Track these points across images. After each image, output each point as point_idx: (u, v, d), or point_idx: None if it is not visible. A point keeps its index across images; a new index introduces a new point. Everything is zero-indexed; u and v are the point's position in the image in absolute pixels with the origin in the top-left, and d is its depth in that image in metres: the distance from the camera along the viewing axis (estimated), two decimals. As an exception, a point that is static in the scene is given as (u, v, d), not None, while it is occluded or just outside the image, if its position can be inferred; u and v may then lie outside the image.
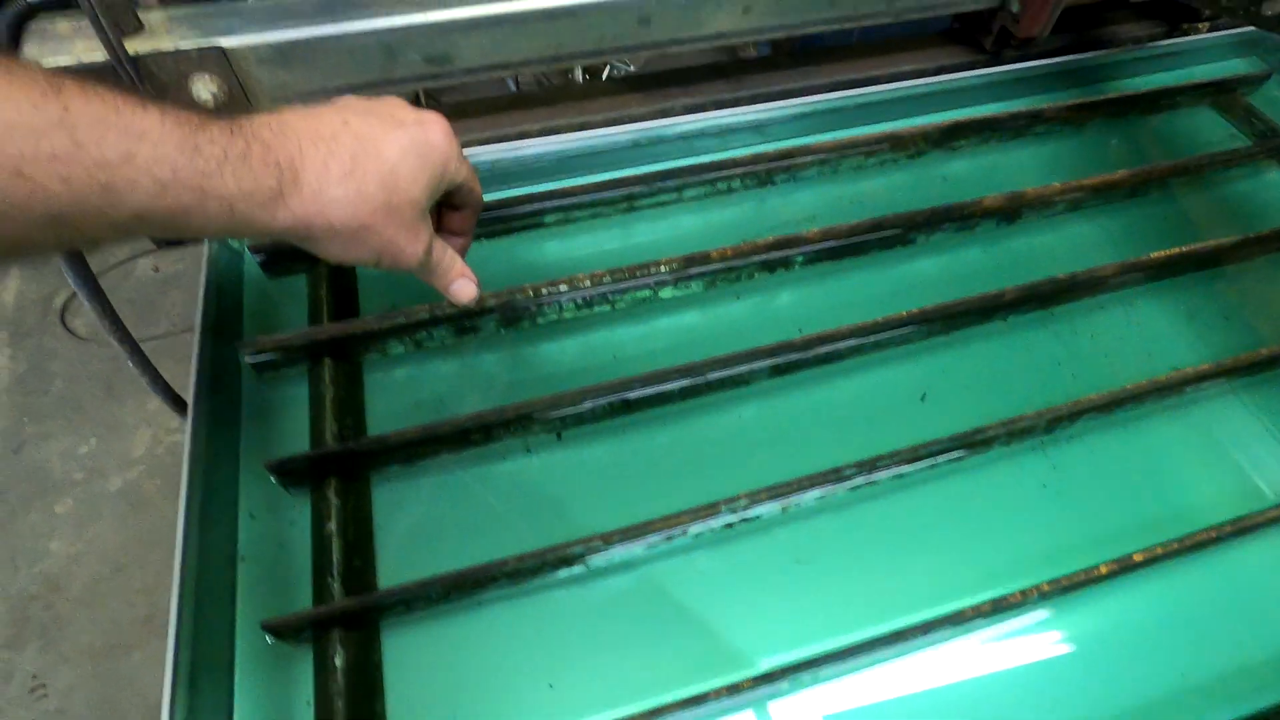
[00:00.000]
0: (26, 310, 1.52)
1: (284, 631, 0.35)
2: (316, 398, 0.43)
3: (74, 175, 0.25)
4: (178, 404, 0.54)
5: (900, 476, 0.42)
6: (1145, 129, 0.63)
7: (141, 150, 0.26)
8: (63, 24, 0.44)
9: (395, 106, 0.34)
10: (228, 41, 0.44)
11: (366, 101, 0.34)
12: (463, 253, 0.39)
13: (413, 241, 0.34)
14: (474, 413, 0.40)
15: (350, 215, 0.32)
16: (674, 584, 0.40)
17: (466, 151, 0.51)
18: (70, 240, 0.27)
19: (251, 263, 0.49)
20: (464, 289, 0.38)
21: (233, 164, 0.28)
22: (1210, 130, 0.64)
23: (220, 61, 0.44)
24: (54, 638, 1.14)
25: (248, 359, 0.43)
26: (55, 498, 1.28)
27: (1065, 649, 0.39)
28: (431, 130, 0.34)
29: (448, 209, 0.39)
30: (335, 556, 0.37)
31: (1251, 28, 0.66)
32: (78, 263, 0.48)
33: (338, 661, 0.34)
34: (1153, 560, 0.39)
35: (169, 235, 0.29)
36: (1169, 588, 0.41)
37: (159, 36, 0.43)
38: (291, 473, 0.39)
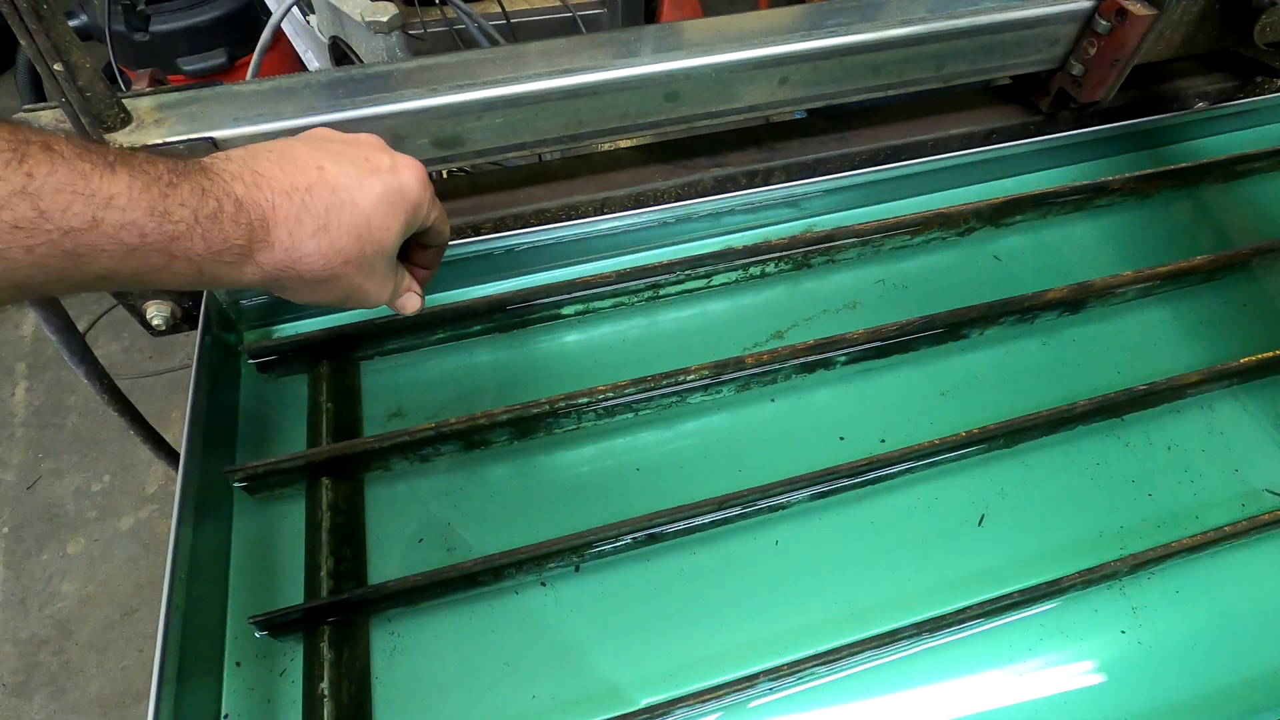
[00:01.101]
0: (45, 342, 1.51)
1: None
2: (313, 526, 0.39)
3: (37, 245, 0.24)
4: (171, 458, 0.52)
5: (964, 633, 0.37)
6: (1219, 198, 0.58)
7: (109, 217, 0.25)
8: (46, 115, 0.41)
9: (371, 149, 0.34)
10: (220, 133, 0.41)
11: (342, 141, 0.34)
12: (424, 284, 0.39)
13: (381, 287, 0.35)
14: (482, 556, 0.36)
15: (321, 267, 0.31)
16: (704, 751, 0.36)
17: (480, 239, 0.48)
18: (32, 296, 0.27)
19: (248, 363, 0.45)
20: (410, 302, 0.37)
21: (203, 226, 0.28)
22: (1292, 198, 0.58)
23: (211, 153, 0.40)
24: (63, 685, 1.12)
25: (237, 484, 0.39)
26: (68, 536, 1.27)
27: None
28: (405, 176, 0.34)
29: (415, 244, 0.38)
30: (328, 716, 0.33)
31: (1335, 83, 0.61)
32: (60, 320, 0.45)
33: None
34: None
35: (133, 289, 0.31)
36: None
37: (146, 129, 0.40)
38: (281, 625, 0.36)
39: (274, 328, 0.48)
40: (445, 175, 0.57)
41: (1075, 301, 0.48)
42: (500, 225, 0.51)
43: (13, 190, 0.23)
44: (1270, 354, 0.44)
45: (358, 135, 0.35)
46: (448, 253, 0.41)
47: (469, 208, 0.51)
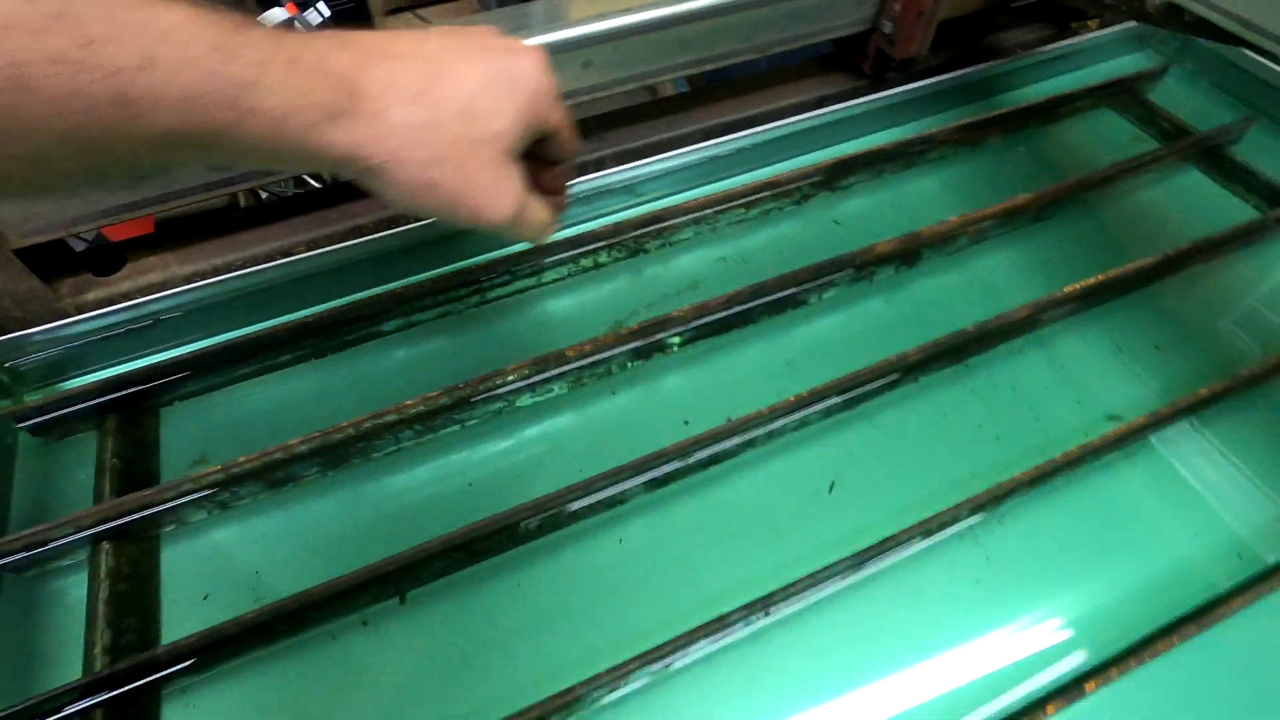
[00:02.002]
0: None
1: None
2: (91, 598, 0.35)
3: (82, 85, 0.20)
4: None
5: (804, 606, 0.35)
6: (1046, 140, 0.59)
7: (165, 54, 0.21)
8: None
9: (482, 34, 0.29)
10: None
11: (449, 28, 0.29)
12: (557, 214, 0.34)
13: (498, 194, 0.29)
14: (272, 603, 0.32)
15: (420, 145, 0.26)
16: (547, 780, 0.32)
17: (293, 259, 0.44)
18: (99, 167, 0.22)
19: (23, 433, 0.41)
20: (543, 225, 0.32)
21: (278, 71, 0.23)
22: (1114, 133, 0.60)
23: None
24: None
25: (8, 567, 0.35)
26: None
27: None
28: (522, 59, 0.29)
29: (536, 165, 0.33)
30: (96, 825, 0.29)
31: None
32: None
33: None
34: (1143, 656, 0.32)
35: (212, 162, 0.24)
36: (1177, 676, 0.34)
37: None
38: (51, 715, 0.31)
39: (60, 384, 0.43)
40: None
41: (909, 253, 0.48)
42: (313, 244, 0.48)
43: (50, 12, 0.19)
44: (1095, 280, 0.44)
45: (469, 26, 0.30)
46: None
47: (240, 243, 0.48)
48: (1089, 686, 0.31)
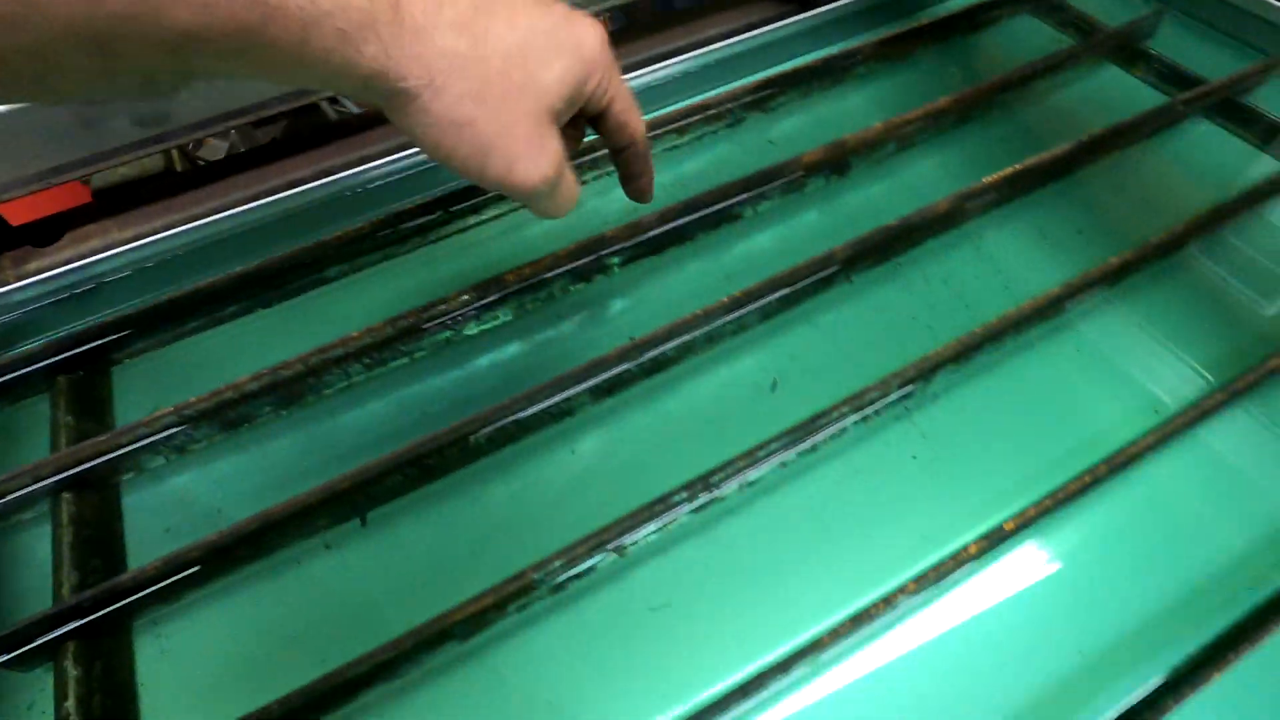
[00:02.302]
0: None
1: None
2: (56, 545, 0.36)
3: None
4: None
5: (749, 485, 0.37)
6: (969, 49, 0.60)
7: None
8: None
9: None
10: None
11: None
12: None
13: (535, 152, 0.27)
14: (233, 525, 0.33)
15: (462, 75, 0.24)
16: (514, 671, 0.34)
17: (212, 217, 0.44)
18: (111, 70, 0.20)
19: (-25, 396, 0.41)
20: (565, 201, 0.31)
21: None
22: (1035, 38, 0.61)
23: None
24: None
25: (-38, 518, 0.35)
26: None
27: (986, 620, 0.34)
28: (580, 27, 0.28)
29: (615, 152, 0.33)
30: (77, 741, 0.30)
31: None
32: None
33: None
34: (1059, 504, 0.34)
35: (233, 72, 0.22)
36: (1084, 527, 0.36)
37: None
38: (22, 655, 0.32)
39: (8, 352, 0.44)
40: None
41: (837, 162, 0.49)
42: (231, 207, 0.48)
43: None
44: (1012, 169, 0.46)
45: None
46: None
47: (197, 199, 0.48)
48: (1008, 526, 0.33)
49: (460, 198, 0.47)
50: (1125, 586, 0.35)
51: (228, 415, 0.39)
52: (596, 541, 0.32)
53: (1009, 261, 0.47)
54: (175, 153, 0.51)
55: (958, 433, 0.40)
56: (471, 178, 0.27)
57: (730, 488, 0.35)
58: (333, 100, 0.79)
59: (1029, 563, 0.35)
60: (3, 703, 0.33)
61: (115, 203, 0.48)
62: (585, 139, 0.36)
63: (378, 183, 0.49)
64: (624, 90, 0.31)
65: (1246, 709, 0.31)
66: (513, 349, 0.45)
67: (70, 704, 0.31)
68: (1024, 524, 0.33)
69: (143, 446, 0.37)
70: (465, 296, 0.41)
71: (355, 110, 0.91)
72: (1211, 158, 0.51)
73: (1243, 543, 0.36)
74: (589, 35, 0.28)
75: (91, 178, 0.49)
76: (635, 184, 0.35)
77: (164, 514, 0.38)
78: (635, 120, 0.33)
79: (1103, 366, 0.42)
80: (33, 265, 0.45)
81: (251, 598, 0.36)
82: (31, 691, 0.33)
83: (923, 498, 0.38)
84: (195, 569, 0.33)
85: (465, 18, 0.25)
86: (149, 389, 0.43)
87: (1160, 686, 0.30)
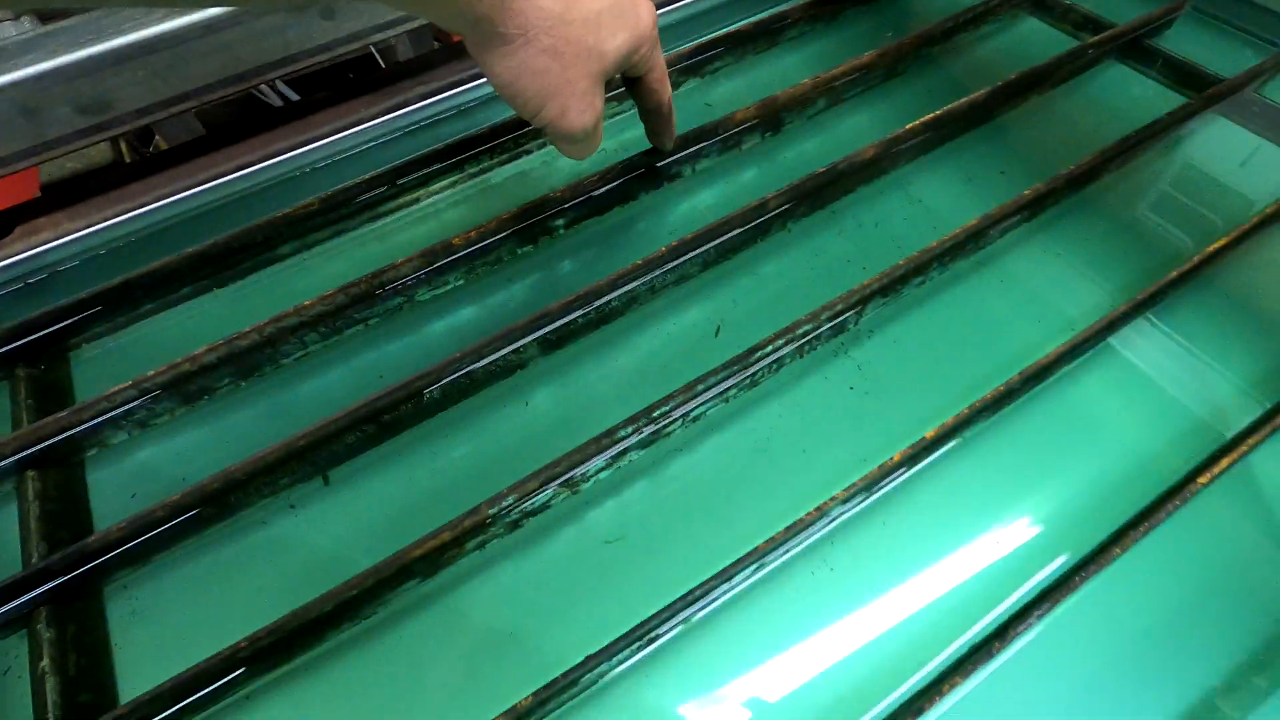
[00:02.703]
0: None
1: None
2: (24, 521, 0.36)
3: None
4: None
5: (694, 420, 0.39)
6: (899, 9, 0.62)
7: None
8: None
9: None
10: None
11: None
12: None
13: (586, 105, 0.33)
14: (196, 484, 0.35)
15: (549, 33, 0.29)
16: (476, 607, 0.35)
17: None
18: None
19: (-66, 387, 0.42)
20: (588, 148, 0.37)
21: None
22: (960, -5, 0.63)
23: None
24: None
25: (-73, 499, 0.36)
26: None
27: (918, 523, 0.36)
28: (641, 4, 0.34)
29: (643, 112, 0.41)
30: (52, 697, 0.31)
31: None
32: None
33: (62, 824, 0.28)
34: (976, 413, 0.36)
35: None
36: (1002, 434, 0.39)
37: None
38: (-7, 618, 0.33)
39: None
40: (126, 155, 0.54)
41: (770, 119, 0.51)
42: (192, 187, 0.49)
43: None
44: (933, 115, 0.48)
45: None
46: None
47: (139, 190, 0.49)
48: (928, 434, 0.35)
49: (406, 170, 0.48)
50: (1041, 483, 0.37)
51: (187, 388, 0.40)
52: (547, 475, 0.34)
53: (937, 204, 0.49)
54: (123, 145, 0.52)
55: (891, 363, 0.42)
56: (525, 114, 0.33)
57: (674, 421, 0.37)
58: (272, 86, 0.79)
59: (950, 467, 0.38)
60: (-20, 670, 0.34)
61: (64, 195, 0.49)
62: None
63: (324, 162, 0.50)
64: (661, 62, 0.37)
65: (1146, 585, 0.34)
66: (466, 313, 0.46)
67: (45, 663, 0.32)
68: (944, 433, 0.35)
69: (104, 421, 0.38)
70: (415, 262, 0.43)
71: (295, 98, 0.92)
72: (1122, 97, 0.54)
73: (1153, 443, 0.38)
74: (645, 12, 0.34)
75: (40, 172, 0.50)
76: (658, 138, 0.42)
77: (129, 487, 0.39)
78: (664, 89, 0.39)
79: (1024, 294, 0.45)
80: (-15, 260, 0.46)
81: (219, 559, 0.37)
82: (7, 658, 0.34)
83: (860, 423, 0.40)
84: (162, 528, 0.34)
85: None
86: (108, 374, 0.44)
87: (1071, 566, 0.33)
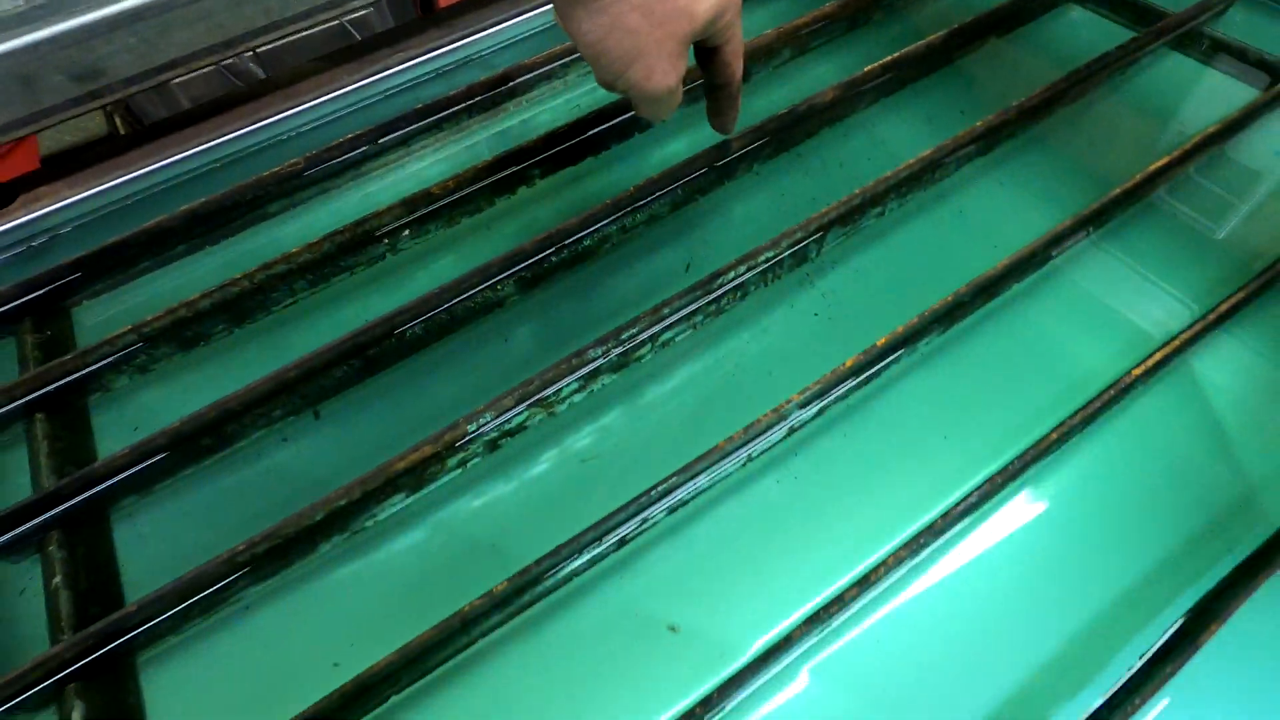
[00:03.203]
0: None
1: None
2: (33, 459, 0.39)
3: None
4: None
5: (664, 345, 0.41)
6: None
7: None
8: None
9: None
10: None
11: None
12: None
13: (671, 66, 0.32)
14: (194, 413, 0.37)
15: None
16: (459, 522, 0.37)
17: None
18: None
19: (-54, 343, 0.44)
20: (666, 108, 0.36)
21: None
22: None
23: None
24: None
25: (-58, 440, 0.39)
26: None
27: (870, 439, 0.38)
28: None
29: (712, 88, 0.39)
30: (66, 610, 0.33)
31: None
32: None
33: (78, 715, 0.30)
34: (929, 325, 0.39)
35: None
36: (957, 354, 0.41)
37: None
38: (10, 543, 0.35)
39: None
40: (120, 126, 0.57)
41: (736, 70, 0.53)
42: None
43: None
44: (892, 58, 0.50)
45: None
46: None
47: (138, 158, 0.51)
48: (879, 343, 0.37)
49: (388, 129, 0.50)
50: (993, 394, 0.39)
51: (184, 334, 0.42)
52: (522, 393, 0.36)
53: (899, 144, 0.51)
54: (118, 120, 0.54)
55: (854, 291, 0.44)
56: (607, 74, 0.33)
57: (643, 345, 0.39)
58: (257, 58, 0.81)
59: (907, 382, 0.40)
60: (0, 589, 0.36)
61: (63, 166, 0.51)
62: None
63: (309, 126, 0.53)
64: (739, 35, 0.36)
65: (1086, 477, 0.36)
66: (446, 261, 0.48)
67: (58, 580, 0.34)
68: (895, 341, 0.37)
69: (107, 365, 0.41)
70: (397, 211, 0.45)
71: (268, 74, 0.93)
72: (1077, 40, 0.56)
73: (1099, 356, 0.40)
74: None
75: (40, 145, 0.52)
76: (721, 118, 0.41)
77: (132, 426, 0.41)
78: (737, 64, 0.38)
79: (981, 226, 0.46)
80: (-11, 226, 0.48)
81: (218, 488, 0.39)
82: (23, 579, 0.36)
83: (824, 346, 0.42)
84: (163, 455, 0.36)
85: None
86: (108, 325, 0.46)
87: (1014, 456, 0.35)
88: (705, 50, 0.38)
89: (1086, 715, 0.30)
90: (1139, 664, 0.31)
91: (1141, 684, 0.29)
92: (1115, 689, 0.30)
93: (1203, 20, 0.53)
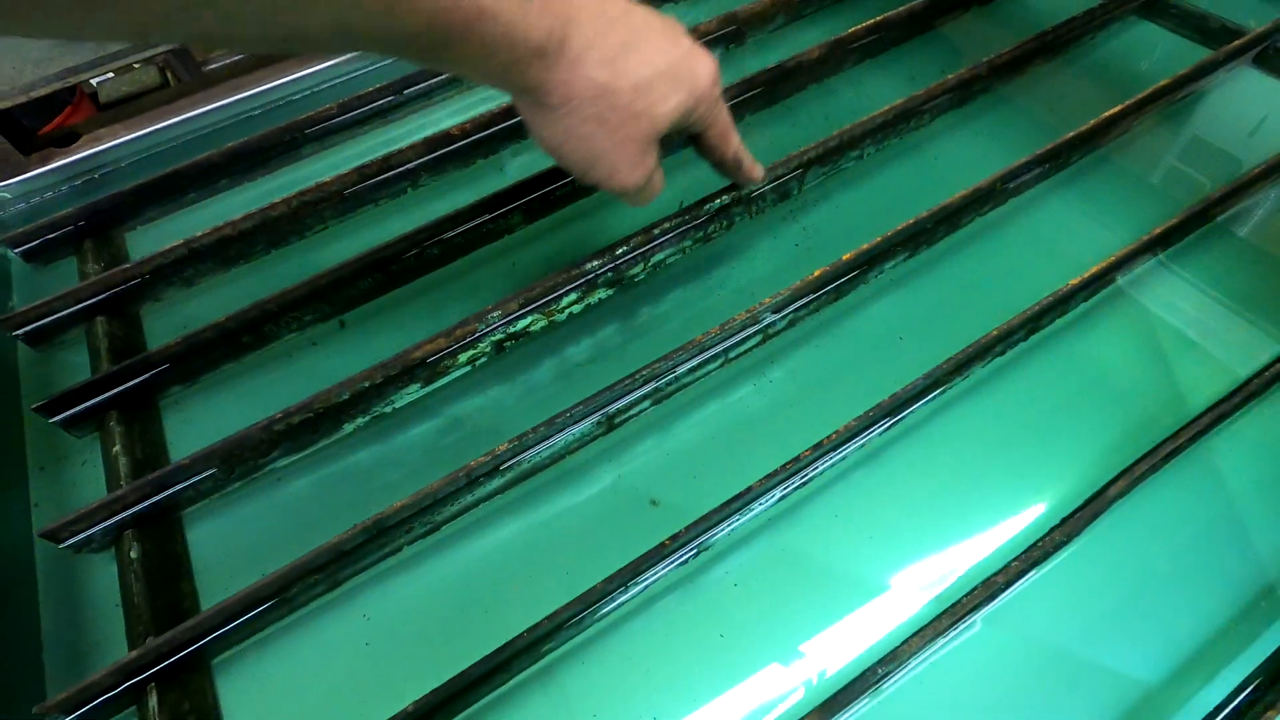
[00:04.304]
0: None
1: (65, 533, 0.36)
2: (93, 353, 0.44)
3: None
4: None
5: (655, 267, 0.45)
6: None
7: None
8: None
9: (676, 25, 0.33)
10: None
11: (652, 10, 0.33)
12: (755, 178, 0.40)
13: (635, 165, 0.32)
14: (237, 311, 0.42)
15: (594, 102, 0.29)
16: (467, 411, 0.42)
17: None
18: (345, 48, 0.27)
19: (16, 260, 0.49)
20: (648, 196, 0.36)
21: (512, 6, 0.26)
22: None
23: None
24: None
25: (18, 334, 0.44)
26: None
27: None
28: (701, 61, 0.33)
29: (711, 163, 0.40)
30: (124, 472, 0.38)
31: None
32: None
33: (134, 553, 0.35)
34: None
35: (428, 63, 0.28)
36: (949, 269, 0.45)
37: None
38: (74, 417, 0.40)
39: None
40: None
41: (734, 34, 0.57)
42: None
43: None
44: (874, 20, 0.54)
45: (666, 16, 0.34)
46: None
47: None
48: (845, 257, 0.41)
49: (413, 81, 0.55)
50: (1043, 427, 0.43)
51: (227, 251, 0.47)
52: (525, 297, 0.40)
53: (883, 100, 0.54)
54: (169, 73, 0.60)
55: (833, 224, 0.48)
56: (573, 174, 0.34)
57: (636, 263, 0.43)
58: None
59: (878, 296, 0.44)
60: (64, 462, 0.41)
61: (120, 111, 0.57)
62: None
63: (341, 79, 0.58)
64: (724, 117, 0.36)
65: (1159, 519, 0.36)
66: (462, 197, 0.52)
67: (117, 449, 0.39)
68: (859, 260, 0.41)
69: (159, 273, 0.45)
70: (419, 148, 0.49)
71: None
72: (1053, 6, 0.60)
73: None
74: (704, 71, 0.33)
75: (99, 92, 0.57)
76: (734, 184, 0.42)
77: (179, 329, 0.46)
78: (727, 144, 0.38)
79: (950, 171, 0.50)
80: (56, 161, 0.53)
81: (254, 384, 0.44)
82: (85, 452, 0.41)
83: (802, 272, 0.46)
84: (209, 349, 0.41)
85: (613, 53, 0.30)
86: (157, 250, 0.51)
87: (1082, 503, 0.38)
88: (690, 135, 0.38)
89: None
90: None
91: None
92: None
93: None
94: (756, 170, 0.41)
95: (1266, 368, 0.39)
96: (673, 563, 0.34)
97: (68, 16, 0.20)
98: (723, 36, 0.57)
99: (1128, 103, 0.47)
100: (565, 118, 0.30)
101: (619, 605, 0.34)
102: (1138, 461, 0.35)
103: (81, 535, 0.35)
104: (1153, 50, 0.56)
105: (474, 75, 0.30)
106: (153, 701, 0.31)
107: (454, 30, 0.25)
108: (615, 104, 0.30)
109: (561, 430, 0.36)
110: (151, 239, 0.52)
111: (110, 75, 0.55)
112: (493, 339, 0.41)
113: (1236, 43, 0.51)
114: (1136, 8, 0.56)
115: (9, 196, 0.52)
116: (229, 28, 0.22)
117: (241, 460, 0.37)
